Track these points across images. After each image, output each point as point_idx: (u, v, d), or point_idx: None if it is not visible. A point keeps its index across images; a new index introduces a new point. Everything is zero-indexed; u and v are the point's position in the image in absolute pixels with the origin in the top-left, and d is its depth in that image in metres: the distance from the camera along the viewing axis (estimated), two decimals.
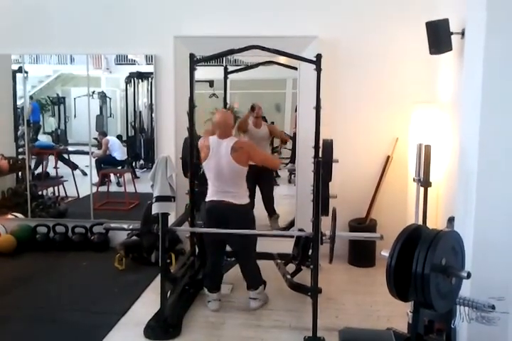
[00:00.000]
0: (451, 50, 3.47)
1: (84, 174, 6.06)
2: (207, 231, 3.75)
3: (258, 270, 3.85)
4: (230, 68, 4.89)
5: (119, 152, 6.17)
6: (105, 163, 6.07)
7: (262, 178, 4.89)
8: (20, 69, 5.39)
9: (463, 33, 3.29)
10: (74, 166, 6.15)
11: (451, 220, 3.12)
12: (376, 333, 1.97)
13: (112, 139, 6.13)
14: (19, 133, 5.66)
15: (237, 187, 3.62)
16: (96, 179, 5.77)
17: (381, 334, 1.91)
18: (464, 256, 1.95)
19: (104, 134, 6.06)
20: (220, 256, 3.88)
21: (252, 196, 4.26)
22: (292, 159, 5.24)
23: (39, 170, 6.01)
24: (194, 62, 3.94)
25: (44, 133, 6.44)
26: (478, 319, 2.02)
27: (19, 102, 5.69)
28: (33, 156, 5.85)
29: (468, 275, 1.84)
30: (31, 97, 5.97)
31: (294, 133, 5.00)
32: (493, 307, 1.96)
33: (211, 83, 5.60)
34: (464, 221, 2.68)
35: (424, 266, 1.76)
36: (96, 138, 5.99)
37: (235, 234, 3.57)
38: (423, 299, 1.80)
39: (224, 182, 3.59)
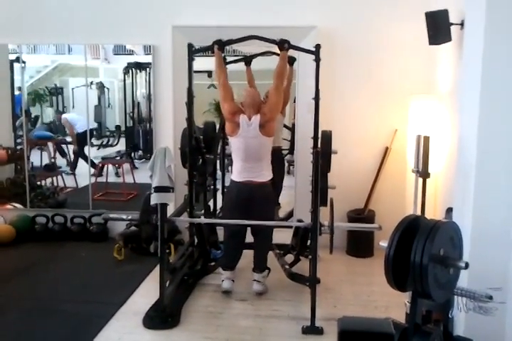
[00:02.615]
0: (450, 40, 3.46)
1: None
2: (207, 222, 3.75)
3: (267, 255, 3.97)
4: (229, 58, 4.86)
5: (80, 124, 6.09)
6: (82, 145, 6.04)
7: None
8: (17, 60, 5.35)
9: (462, 24, 3.28)
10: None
11: (449, 211, 3.13)
12: (375, 322, 1.97)
13: (67, 115, 6.09)
14: (17, 123, 5.64)
15: (263, 161, 3.77)
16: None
17: (380, 323, 1.92)
18: (462, 247, 1.96)
19: (60, 113, 5.95)
20: (241, 236, 3.89)
21: None
22: (291, 150, 5.23)
23: (38, 160, 6.01)
24: (192, 52, 3.92)
25: (42, 123, 6.42)
26: (476, 309, 2.03)
27: (17, 92, 5.66)
28: (37, 147, 5.84)
29: (466, 266, 1.85)
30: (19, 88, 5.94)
31: (293, 124, 4.99)
32: (490, 297, 1.97)
33: (209, 73, 5.58)
34: (462, 211, 2.69)
35: (423, 256, 1.77)
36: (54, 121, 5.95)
37: (256, 213, 3.69)
38: (421, 289, 1.80)
39: (250, 158, 3.73)
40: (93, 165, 5.92)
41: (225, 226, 3.98)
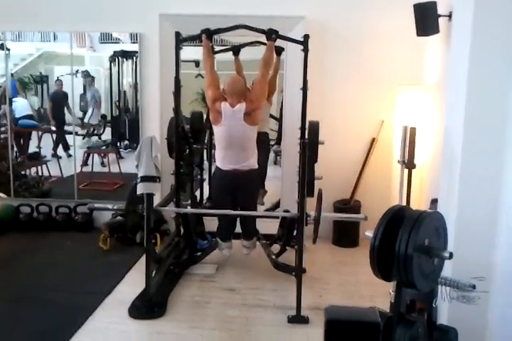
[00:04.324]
0: (438, 32, 3.47)
1: (69, 156, 5.96)
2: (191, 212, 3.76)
3: (255, 225, 4.12)
4: (217, 48, 4.83)
5: (19, 109, 5.90)
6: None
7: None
8: (1, 47, 5.26)
9: (450, 16, 3.29)
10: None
11: (434, 201, 3.16)
12: (362, 311, 2.00)
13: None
14: (1, 112, 5.56)
15: (247, 150, 3.77)
16: None
17: (366, 312, 1.94)
18: (446, 237, 1.98)
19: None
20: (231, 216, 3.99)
21: None
22: (278, 140, 5.23)
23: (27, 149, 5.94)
24: (180, 41, 3.89)
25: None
26: (459, 298, 2.05)
27: (0, 81, 5.58)
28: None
29: (451, 256, 1.87)
30: (12, 75, 5.84)
31: (281, 114, 4.98)
32: (473, 286, 2.00)
33: (197, 63, 5.52)
34: (447, 202, 2.71)
35: (407, 246, 1.78)
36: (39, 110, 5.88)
37: (241, 197, 3.85)
38: (405, 279, 1.82)
39: (233, 147, 3.72)
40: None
41: (215, 206, 4.04)
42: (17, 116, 5.83)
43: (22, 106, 5.97)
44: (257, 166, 3.87)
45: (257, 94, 3.73)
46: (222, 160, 3.80)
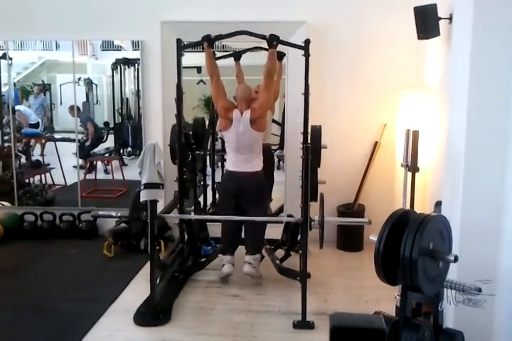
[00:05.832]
0: (439, 35, 3.47)
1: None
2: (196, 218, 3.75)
3: (262, 238, 4.01)
4: (218, 54, 4.84)
5: (33, 116, 6.08)
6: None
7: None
8: (4, 56, 5.29)
9: (451, 19, 3.30)
10: None
11: (438, 204, 3.15)
12: (367, 318, 1.99)
13: (21, 107, 6.00)
14: (4, 120, 5.59)
15: (254, 152, 3.84)
16: None
17: (372, 319, 1.93)
18: (451, 240, 1.97)
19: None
20: (237, 222, 3.92)
21: None
22: (281, 145, 5.23)
23: (25, 157, 5.95)
24: (181, 47, 3.91)
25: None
26: (465, 302, 2.04)
27: (4, 89, 5.61)
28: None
29: (456, 259, 1.86)
30: (14, 84, 5.87)
31: (283, 119, 4.98)
32: (479, 290, 1.98)
33: (199, 69, 5.55)
34: (451, 205, 2.71)
35: (412, 250, 1.78)
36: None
37: (249, 199, 3.82)
38: (411, 283, 1.81)
39: (242, 150, 3.81)
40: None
41: (220, 212, 4.08)
42: (32, 122, 5.97)
43: (30, 114, 6.05)
44: (261, 167, 3.89)
45: (260, 104, 3.78)
46: (232, 163, 3.89)
